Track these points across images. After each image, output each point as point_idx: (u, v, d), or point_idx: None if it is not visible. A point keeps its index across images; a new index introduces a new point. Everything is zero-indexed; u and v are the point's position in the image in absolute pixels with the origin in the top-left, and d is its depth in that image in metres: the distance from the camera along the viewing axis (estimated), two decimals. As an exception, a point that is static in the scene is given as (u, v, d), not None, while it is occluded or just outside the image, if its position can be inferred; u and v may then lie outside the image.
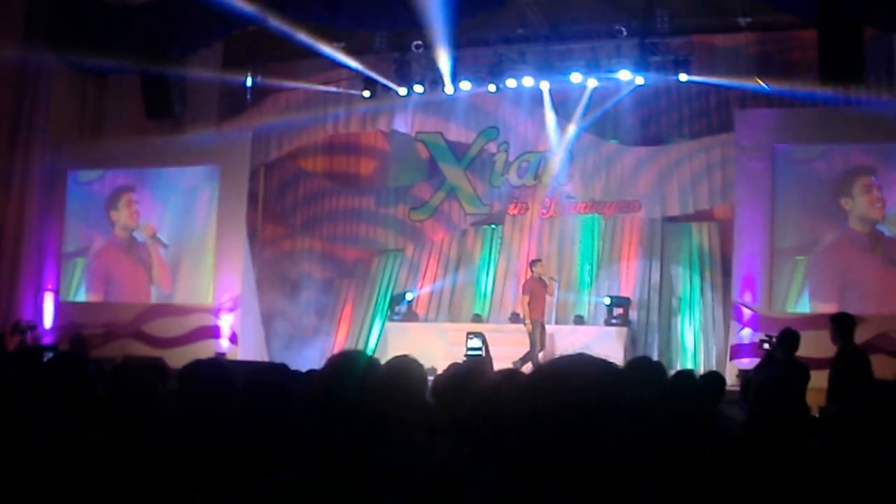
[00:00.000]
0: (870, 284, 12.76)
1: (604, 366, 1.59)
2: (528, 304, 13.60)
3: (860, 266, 12.91)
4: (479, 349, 7.75)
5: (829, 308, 11.61)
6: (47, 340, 15.20)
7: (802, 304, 12.99)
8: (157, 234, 16.06)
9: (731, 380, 11.25)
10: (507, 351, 13.02)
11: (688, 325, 14.86)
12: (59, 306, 16.25)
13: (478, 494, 1.77)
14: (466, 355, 8.02)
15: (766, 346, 9.18)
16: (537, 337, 13.44)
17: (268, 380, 3.59)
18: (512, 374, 3.50)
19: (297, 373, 5.36)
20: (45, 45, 15.24)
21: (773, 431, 3.66)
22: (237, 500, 2.21)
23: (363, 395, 2.26)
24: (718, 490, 3.44)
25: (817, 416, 7.54)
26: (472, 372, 4.18)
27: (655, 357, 12.73)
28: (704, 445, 3.78)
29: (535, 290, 13.70)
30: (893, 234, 12.83)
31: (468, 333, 7.68)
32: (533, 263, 14.19)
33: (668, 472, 2.36)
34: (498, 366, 6.72)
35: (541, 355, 13.28)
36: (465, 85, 15.29)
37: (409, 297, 15.95)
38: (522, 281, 14.91)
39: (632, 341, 14.38)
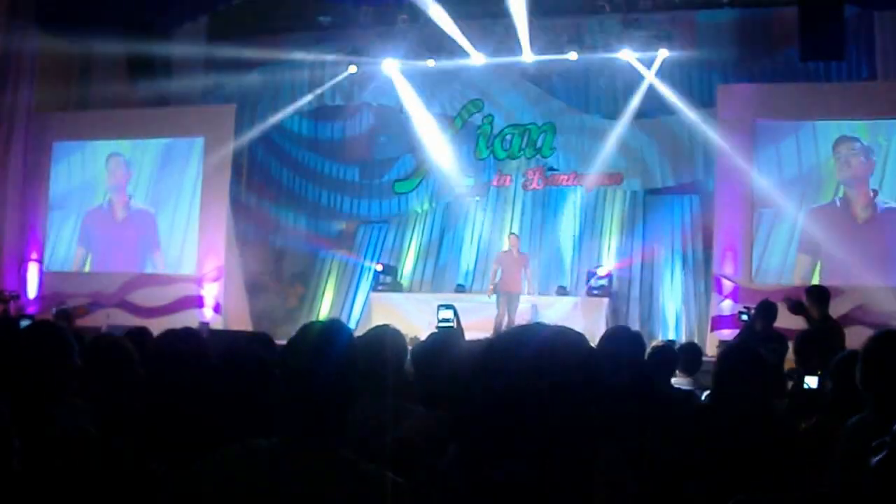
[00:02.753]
0: (851, 259, 12.79)
1: (549, 337, 1.62)
2: (497, 274, 13.91)
3: (842, 240, 12.91)
4: (451, 321, 7.77)
5: (807, 280, 11.72)
6: (31, 310, 15.19)
7: (781, 277, 13.06)
8: (144, 205, 16.07)
9: (712, 351, 11.38)
10: (490, 322, 13.11)
11: (669, 296, 14.96)
12: (44, 276, 16.25)
13: (445, 462, 1.81)
14: (438, 327, 8.04)
15: (745, 317, 9.26)
16: (503, 307, 13.64)
17: (243, 349, 3.63)
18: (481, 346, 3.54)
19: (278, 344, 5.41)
20: (31, 18, 15.12)
21: (732, 398, 3.74)
22: (207, 466, 2.28)
23: (336, 363, 2.32)
24: (680, 455, 3.52)
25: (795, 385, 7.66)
26: (446, 343, 4.23)
27: (637, 328, 12.80)
28: (669, 411, 3.86)
29: (504, 262, 13.97)
30: (884, 209, 12.82)
31: (439, 305, 7.71)
32: (509, 237, 14.39)
33: (629, 438, 2.43)
34: (474, 336, 6.77)
35: (504, 324, 13.39)
36: (450, 57, 15.29)
37: (377, 267, 16.03)
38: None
39: (613, 312, 14.49)
